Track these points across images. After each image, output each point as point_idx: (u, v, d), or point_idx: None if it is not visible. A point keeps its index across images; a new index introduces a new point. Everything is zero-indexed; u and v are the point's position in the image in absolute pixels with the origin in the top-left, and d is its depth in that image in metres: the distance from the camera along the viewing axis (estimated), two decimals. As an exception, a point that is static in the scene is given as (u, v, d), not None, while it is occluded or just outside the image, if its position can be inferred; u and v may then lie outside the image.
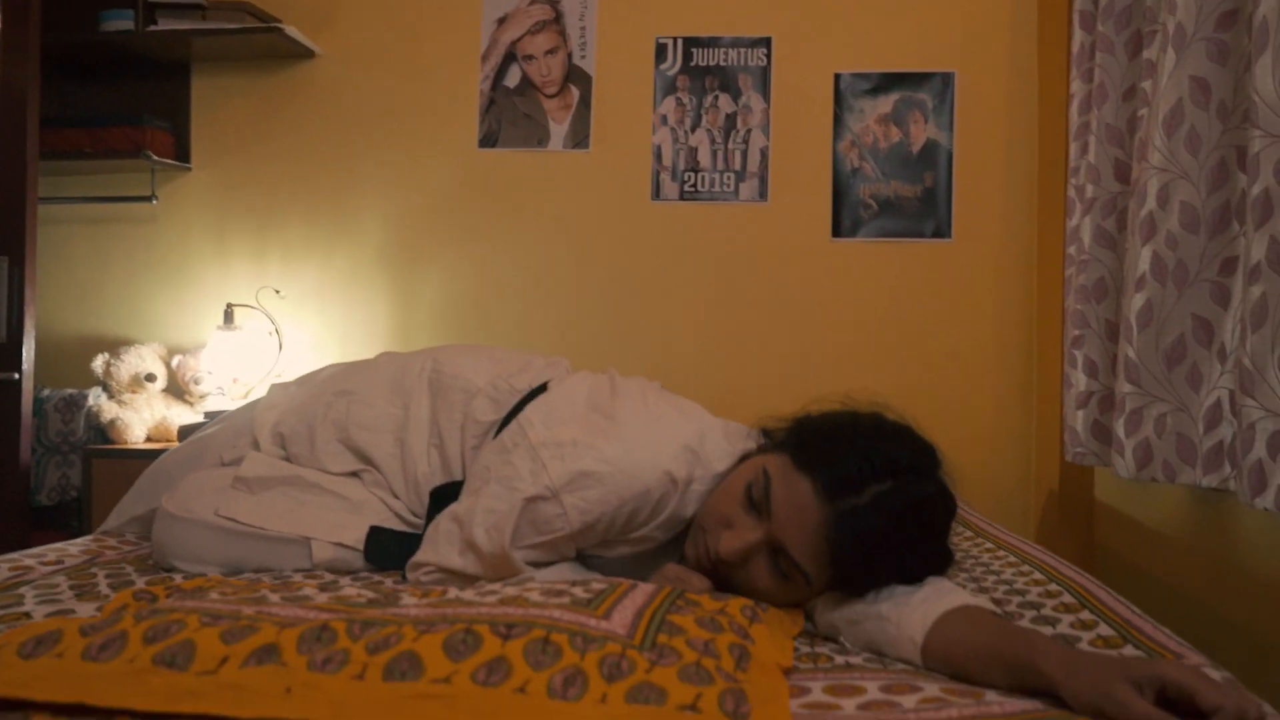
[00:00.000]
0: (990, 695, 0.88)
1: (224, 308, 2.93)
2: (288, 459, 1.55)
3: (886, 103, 2.90)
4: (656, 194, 2.95)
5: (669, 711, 0.78)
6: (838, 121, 2.91)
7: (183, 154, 3.05)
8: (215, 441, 1.65)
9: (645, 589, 1.03)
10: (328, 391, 1.58)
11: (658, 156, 2.96)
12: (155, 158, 2.88)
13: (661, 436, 1.26)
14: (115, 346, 2.93)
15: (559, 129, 2.97)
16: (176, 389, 2.96)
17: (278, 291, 2.99)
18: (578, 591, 0.99)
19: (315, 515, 1.45)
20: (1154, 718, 0.76)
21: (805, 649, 1.09)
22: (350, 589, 1.04)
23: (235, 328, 2.92)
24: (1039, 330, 2.71)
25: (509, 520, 1.21)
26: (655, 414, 1.31)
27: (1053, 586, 1.28)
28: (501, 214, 3.00)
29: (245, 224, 3.07)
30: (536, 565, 1.25)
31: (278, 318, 3.00)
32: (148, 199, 2.97)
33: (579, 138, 2.97)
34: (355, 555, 1.43)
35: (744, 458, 1.29)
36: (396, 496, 1.50)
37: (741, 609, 1.04)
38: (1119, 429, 1.98)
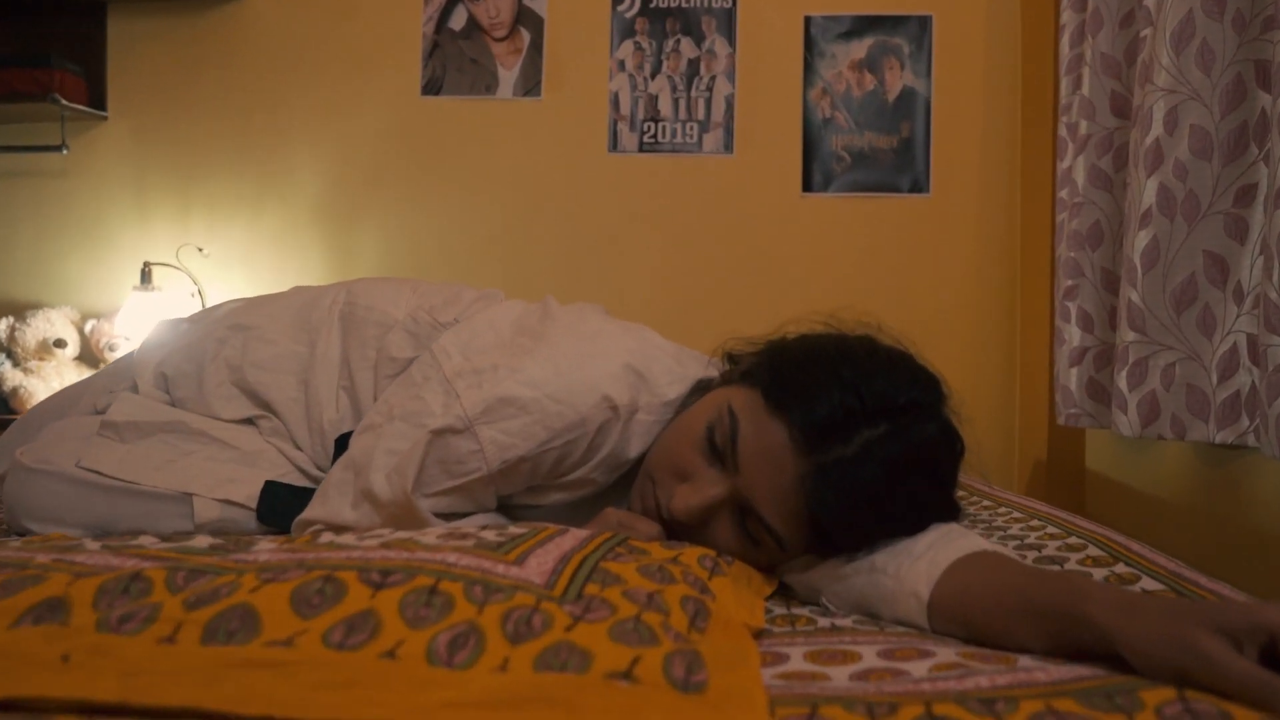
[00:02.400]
0: (1025, 660, 0.67)
1: (142, 267, 2.68)
2: (173, 405, 1.32)
3: (860, 48, 2.70)
4: (614, 145, 2.75)
5: (593, 681, 0.56)
6: (808, 68, 2.71)
7: (97, 101, 2.79)
8: (92, 387, 1.42)
9: (577, 534, 0.81)
10: (221, 327, 1.35)
11: (615, 105, 2.74)
12: (65, 102, 2.62)
13: (598, 355, 1.05)
14: (22, 310, 2.68)
15: (508, 75, 2.75)
16: (90, 356, 2.71)
17: (201, 249, 2.74)
18: (487, 535, 0.77)
19: (199, 467, 1.23)
20: (1265, 684, 0.54)
21: (779, 610, 0.88)
22: (203, 540, 0.81)
23: (154, 289, 2.67)
24: (1023, 288, 2.53)
25: (413, 461, 0.99)
26: (592, 330, 1.10)
27: (1073, 539, 1.07)
28: (446, 167, 2.77)
29: (167, 178, 2.81)
30: (448, 518, 1.03)
31: (201, 278, 2.76)
32: (58, 149, 2.71)
33: (530, 85, 2.75)
34: (247, 514, 1.21)
35: (700, 387, 1.07)
36: (299, 447, 1.28)
37: (700, 559, 0.83)
38: (1121, 382, 1.79)
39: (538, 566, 0.70)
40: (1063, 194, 2.16)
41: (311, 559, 0.68)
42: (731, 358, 1.09)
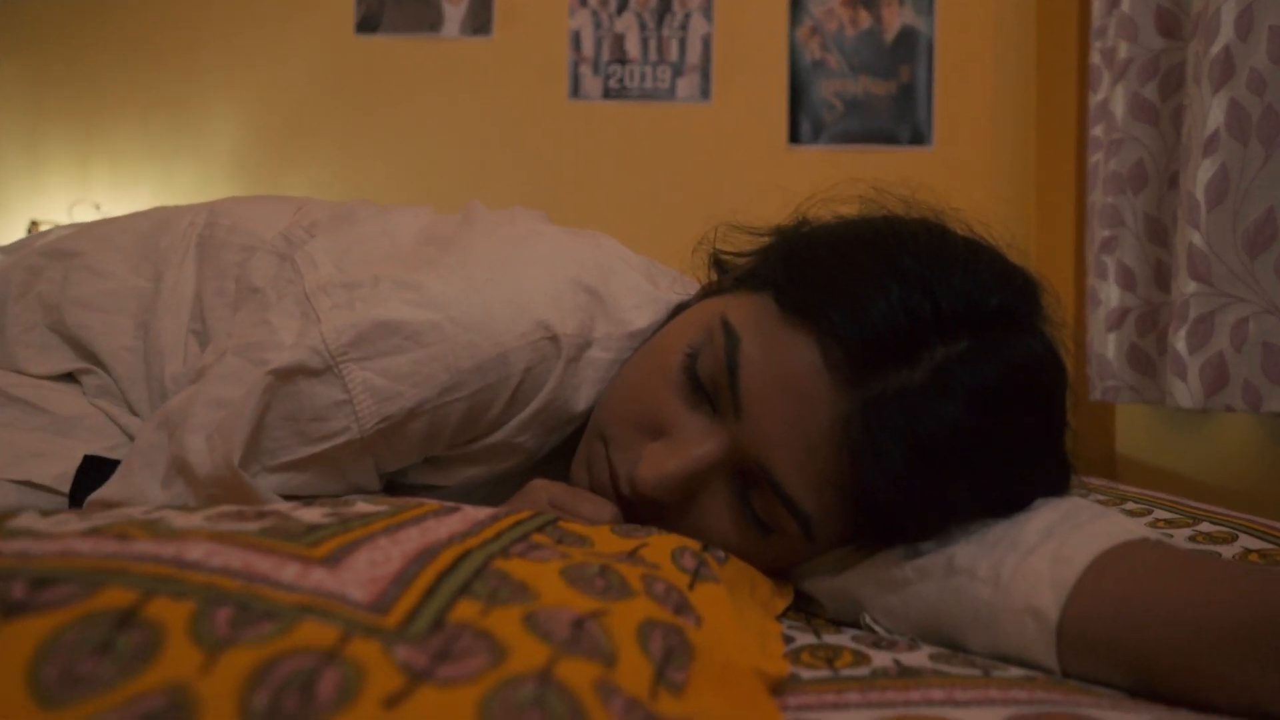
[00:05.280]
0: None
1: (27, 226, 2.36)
2: (-37, 355, 0.99)
3: (854, -19, 2.48)
4: (575, 91, 2.52)
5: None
6: (796, 4, 2.50)
7: (-17, 39, 2.48)
8: None
9: (471, 515, 0.49)
10: (37, 254, 1.02)
11: (576, 45, 2.51)
12: (-58, 38, 2.30)
13: (532, 263, 0.72)
14: (-107, 277, 2.34)
15: (454, 10, 2.51)
16: (-27, 331, 2.37)
17: (99, 206, 2.42)
18: (306, 515, 0.45)
19: (-9, 438, 0.91)
20: None
21: (804, 638, 0.55)
22: None
23: (43, 251, 2.34)
24: (1039, 246, 2.25)
25: (244, 417, 0.66)
26: (523, 233, 0.77)
27: (1207, 526, 0.76)
28: (384, 116, 2.54)
29: (63, 126, 2.54)
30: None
31: (101, 241, 2.43)
32: (-65, 92, 2.40)
33: (479, 22, 2.50)
34: (57, 501, 0.88)
35: (681, 310, 0.75)
36: (134, 411, 0.95)
37: (676, 553, 0.51)
38: (1179, 344, 1.50)
39: (368, 569, 0.37)
40: (1096, 131, 1.87)
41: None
42: (720, 264, 0.77)
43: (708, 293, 0.73)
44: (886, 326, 0.55)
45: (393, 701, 0.29)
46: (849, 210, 0.70)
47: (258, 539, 0.38)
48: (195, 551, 0.36)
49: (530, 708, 0.29)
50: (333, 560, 0.37)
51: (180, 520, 0.41)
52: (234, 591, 0.33)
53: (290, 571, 0.36)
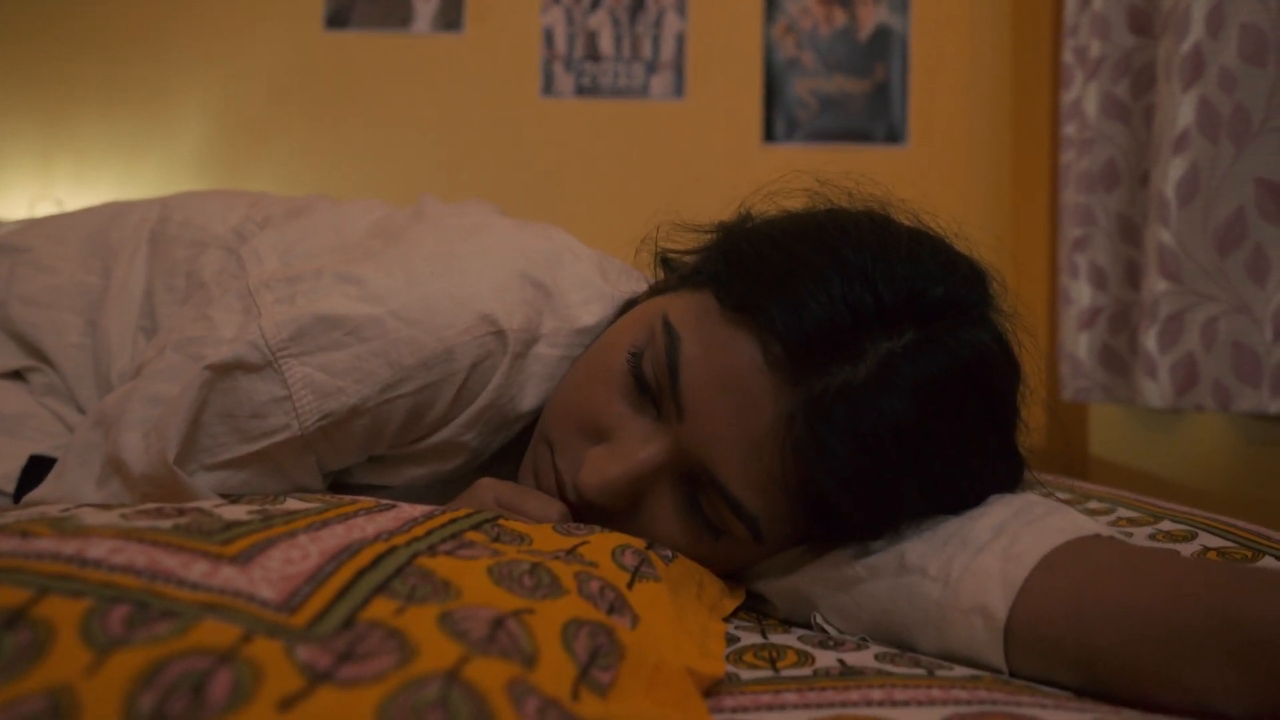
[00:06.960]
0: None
1: (-8, 222, 2.31)
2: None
3: (829, -21, 2.45)
4: (547, 88, 2.45)
5: None
6: (770, 1, 2.43)
7: (-55, 32, 2.43)
8: None
9: (405, 513, 0.47)
10: (-19, 248, 1.00)
11: (549, 42, 2.44)
12: (-98, 30, 2.25)
13: (477, 256, 0.70)
14: None
15: (426, 6, 2.43)
16: (-65, 329, 2.33)
17: (61, 203, 2.39)
18: (228, 511, 0.43)
19: (-69, 436, 0.88)
20: None
21: (750, 639, 0.54)
22: None
23: None
24: (1015, 248, 2.25)
25: (179, 413, 0.64)
26: (471, 225, 0.76)
27: (1168, 524, 0.74)
28: (353, 112, 2.46)
29: (25, 121, 2.46)
30: (244, 502, 0.68)
31: (67, 238, 2.39)
32: (-105, 86, 2.35)
33: (450, 17, 2.43)
34: (1, 501, 0.86)
35: (630, 307, 0.74)
36: (82, 410, 0.93)
37: (616, 551, 0.49)
38: (1149, 342, 1.50)
39: (281, 567, 0.35)
40: (1068, 130, 1.87)
41: None
42: (667, 262, 0.75)
43: (655, 290, 0.72)
44: (827, 321, 0.53)
45: (288, 704, 0.27)
46: (796, 204, 0.69)
47: (168, 536, 0.36)
48: (98, 549, 0.34)
49: (432, 709, 0.28)
50: (244, 558, 0.35)
51: (92, 517, 0.39)
52: (134, 590, 0.32)
53: (198, 569, 0.34)
